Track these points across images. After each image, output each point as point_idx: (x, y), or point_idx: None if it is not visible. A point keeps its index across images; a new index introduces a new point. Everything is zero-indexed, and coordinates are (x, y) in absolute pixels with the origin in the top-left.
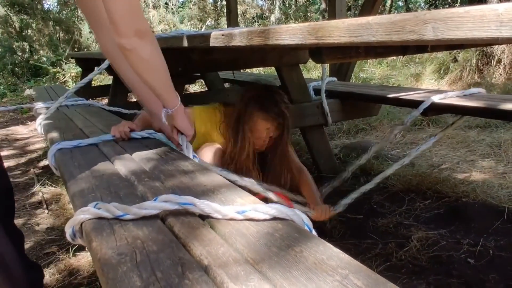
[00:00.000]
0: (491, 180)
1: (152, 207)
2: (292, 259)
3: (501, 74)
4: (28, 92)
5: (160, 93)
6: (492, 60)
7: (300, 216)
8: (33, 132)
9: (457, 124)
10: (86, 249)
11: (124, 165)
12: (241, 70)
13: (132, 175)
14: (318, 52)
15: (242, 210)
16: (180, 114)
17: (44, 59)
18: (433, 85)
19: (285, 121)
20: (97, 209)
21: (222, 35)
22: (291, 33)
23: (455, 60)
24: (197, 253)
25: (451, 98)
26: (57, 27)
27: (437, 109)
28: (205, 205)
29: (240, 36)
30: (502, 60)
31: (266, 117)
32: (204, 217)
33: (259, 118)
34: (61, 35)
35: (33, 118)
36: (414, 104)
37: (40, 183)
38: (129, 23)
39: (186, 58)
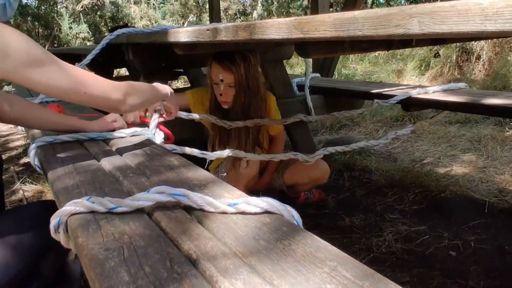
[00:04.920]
0: (471, 174)
1: (145, 198)
2: (280, 252)
3: (480, 71)
4: (6, 88)
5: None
6: (471, 57)
7: (289, 211)
8: (13, 129)
9: (437, 117)
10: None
11: (109, 161)
12: None
13: (117, 171)
14: (304, 46)
15: (233, 203)
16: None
17: None
18: (414, 81)
19: (238, 69)
20: (91, 202)
21: (207, 29)
22: (277, 28)
23: (438, 55)
24: (185, 248)
25: (432, 93)
26: (36, 23)
27: (418, 104)
28: (198, 197)
29: (225, 30)
30: (481, 56)
31: (217, 63)
32: (191, 212)
33: (212, 63)
34: (40, 30)
35: None
36: (394, 97)
37: (20, 180)
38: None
39: (169, 54)
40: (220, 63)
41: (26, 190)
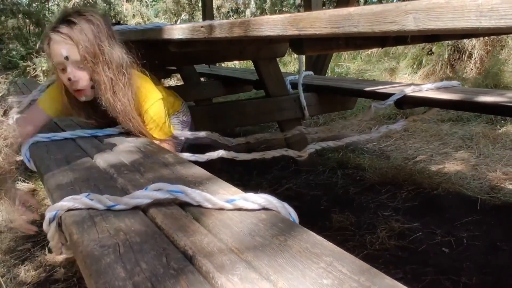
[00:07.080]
0: (464, 172)
1: (143, 196)
2: (276, 247)
3: (471, 69)
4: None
5: None
6: (463, 55)
7: (286, 208)
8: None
9: (429, 113)
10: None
11: (103, 158)
12: (217, 64)
13: (111, 168)
14: (299, 43)
15: (231, 199)
16: None
17: (14, 52)
18: (407, 79)
19: (82, 36)
20: (90, 199)
21: (201, 27)
22: (272, 24)
23: (431, 52)
24: (181, 244)
25: (425, 91)
26: (27, 20)
27: (412, 102)
28: (196, 194)
29: (220, 27)
30: (473, 55)
31: (52, 33)
32: (186, 208)
33: (48, 39)
34: (31, 28)
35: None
36: (390, 97)
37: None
38: None
39: (162, 51)
40: (56, 32)
41: (18, 188)
